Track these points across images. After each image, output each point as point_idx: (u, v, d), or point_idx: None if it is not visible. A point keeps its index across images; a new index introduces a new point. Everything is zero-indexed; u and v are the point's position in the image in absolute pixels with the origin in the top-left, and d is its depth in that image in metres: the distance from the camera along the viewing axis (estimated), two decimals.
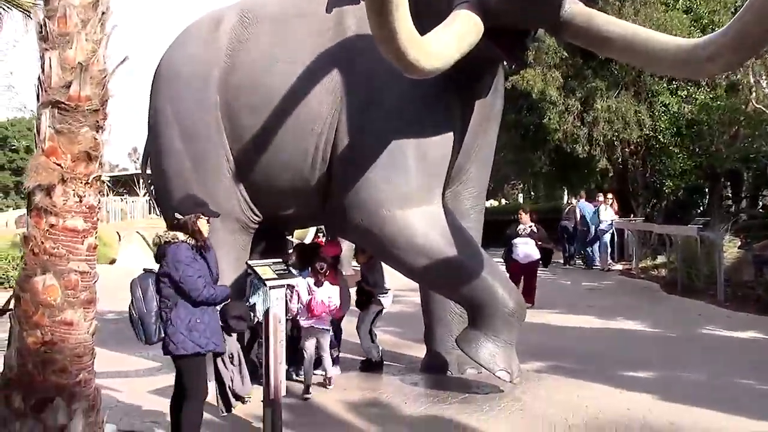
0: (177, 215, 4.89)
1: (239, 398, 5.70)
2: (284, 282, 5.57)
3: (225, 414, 5.38)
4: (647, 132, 18.88)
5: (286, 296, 5.90)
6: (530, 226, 11.63)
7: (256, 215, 7.37)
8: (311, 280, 7.06)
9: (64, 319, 3.42)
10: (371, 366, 7.76)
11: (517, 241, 11.70)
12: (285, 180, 6.95)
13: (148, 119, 7.68)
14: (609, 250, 18.83)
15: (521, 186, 44.93)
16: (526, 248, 11.59)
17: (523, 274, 11.69)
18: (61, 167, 3.43)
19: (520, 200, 41.23)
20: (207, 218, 5.04)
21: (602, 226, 18.55)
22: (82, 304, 3.49)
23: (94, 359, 3.64)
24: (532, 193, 42.01)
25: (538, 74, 18.14)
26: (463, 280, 6.47)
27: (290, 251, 8.48)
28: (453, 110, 6.65)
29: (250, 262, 5.62)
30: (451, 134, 6.59)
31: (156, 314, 4.73)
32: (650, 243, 19.19)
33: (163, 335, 4.75)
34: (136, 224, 34.22)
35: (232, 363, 5.18)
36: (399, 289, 9.45)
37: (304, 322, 7.05)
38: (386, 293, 7.97)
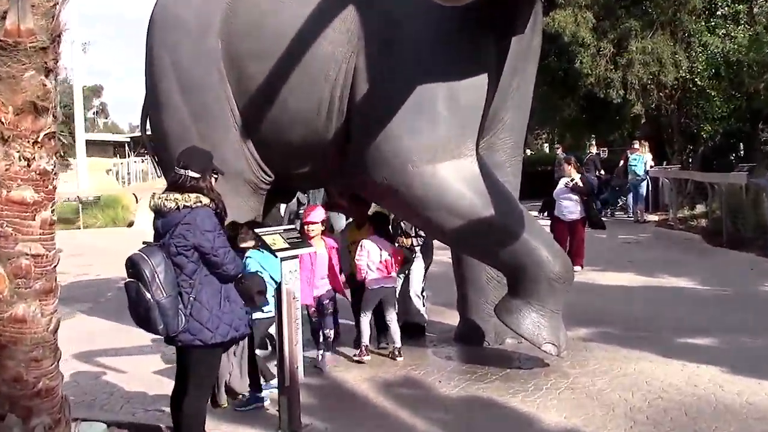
0: (187, 172, 4.00)
1: (233, 394, 5.00)
2: (298, 252, 4.83)
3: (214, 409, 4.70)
4: (683, 74, 17.79)
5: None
6: (573, 180, 10.44)
7: (267, 175, 6.61)
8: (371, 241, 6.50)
9: (14, 316, 2.69)
10: (416, 330, 7.19)
11: (559, 194, 10.50)
12: (297, 134, 6.17)
13: (144, 71, 6.91)
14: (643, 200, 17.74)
15: (546, 135, 43.71)
16: (570, 204, 10.40)
17: (568, 233, 10.43)
18: (1, 123, 2.67)
19: (546, 150, 39.90)
20: (217, 176, 4.27)
21: (639, 176, 17.40)
22: (37, 296, 2.76)
23: (57, 362, 2.93)
24: (557, 143, 40.79)
25: (569, 15, 17.06)
26: (502, 242, 5.70)
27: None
28: (487, 48, 5.79)
29: (257, 230, 4.88)
30: (485, 76, 5.75)
31: (176, 297, 3.85)
32: (686, 192, 18.26)
33: (184, 323, 3.86)
34: (157, 185, 33.70)
35: (234, 353, 4.48)
36: None
37: (373, 283, 6.46)
38: (429, 244, 7.38)
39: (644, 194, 17.67)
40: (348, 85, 5.89)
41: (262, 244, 4.79)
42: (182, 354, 4.05)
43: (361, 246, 6.47)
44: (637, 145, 17.90)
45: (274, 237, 4.76)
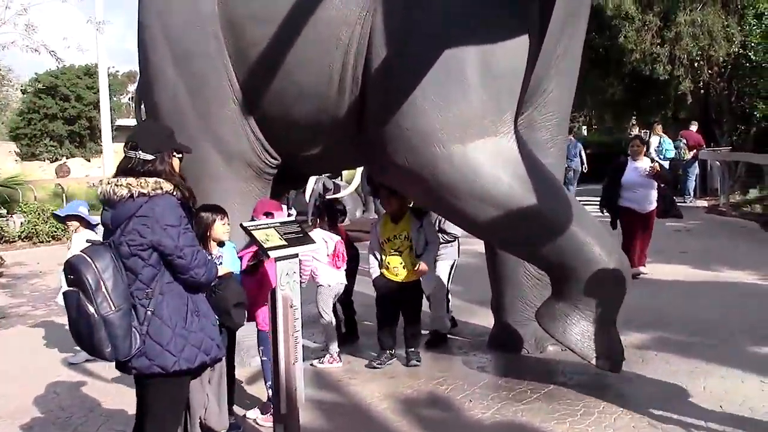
0: (137, 154, 3.21)
1: None
2: (297, 250, 3.98)
3: None
4: (736, 49, 16.54)
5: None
6: (653, 164, 8.65)
7: (273, 157, 5.76)
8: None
9: None
10: (438, 340, 6.30)
11: (634, 181, 8.56)
12: (305, 109, 5.31)
13: (137, 44, 6.07)
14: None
15: (583, 118, 42.19)
16: (650, 193, 8.58)
17: (640, 228, 8.64)
18: None
19: (584, 133, 38.38)
20: (181, 156, 3.44)
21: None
22: None
23: None
24: (595, 125, 39.29)
25: None
26: (546, 235, 4.79)
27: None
28: (527, 7, 4.85)
29: (246, 223, 4.02)
30: (524, 38, 4.81)
31: (128, 311, 3.05)
32: (737, 175, 17.09)
33: (139, 345, 3.07)
34: None
35: (209, 381, 3.66)
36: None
37: (325, 279, 5.86)
38: (453, 241, 6.45)
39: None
40: (363, 51, 4.99)
41: (252, 241, 3.94)
42: (138, 384, 3.23)
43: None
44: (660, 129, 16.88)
45: (267, 232, 3.91)
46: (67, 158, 39.66)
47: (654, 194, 8.60)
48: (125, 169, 3.24)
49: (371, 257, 5.88)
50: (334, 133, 5.39)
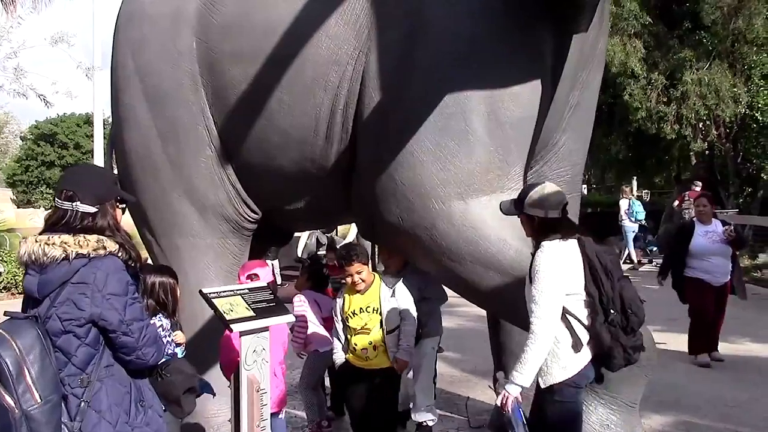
0: (75, 205, 2.66)
1: None
2: (267, 323, 3.36)
3: None
4: (743, 109, 16.17)
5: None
6: (726, 228, 7.27)
7: (253, 211, 5.19)
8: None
9: None
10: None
11: (706, 248, 7.26)
12: (289, 158, 4.75)
13: (110, 82, 5.57)
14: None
15: (583, 176, 41.83)
16: (725, 261, 7.31)
17: (713, 303, 7.46)
18: None
19: (584, 192, 38.04)
20: (124, 207, 2.90)
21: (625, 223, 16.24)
22: None
23: None
24: (594, 185, 38.93)
25: (617, 44, 15.51)
26: None
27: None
28: (540, 49, 4.34)
29: (206, 289, 3.40)
30: (536, 85, 4.28)
31: (58, 404, 2.47)
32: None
33: None
34: None
35: None
36: (451, 295, 6.84)
37: (319, 344, 5.37)
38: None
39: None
40: (354, 94, 4.46)
41: (214, 311, 3.32)
42: None
43: (301, 300, 5.45)
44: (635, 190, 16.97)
45: (232, 300, 3.30)
46: None
47: (729, 263, 7.39)
48: (57, 223, 2.66)
49: (334, 340, 4.78)
50: (321, 185, 4.83)
